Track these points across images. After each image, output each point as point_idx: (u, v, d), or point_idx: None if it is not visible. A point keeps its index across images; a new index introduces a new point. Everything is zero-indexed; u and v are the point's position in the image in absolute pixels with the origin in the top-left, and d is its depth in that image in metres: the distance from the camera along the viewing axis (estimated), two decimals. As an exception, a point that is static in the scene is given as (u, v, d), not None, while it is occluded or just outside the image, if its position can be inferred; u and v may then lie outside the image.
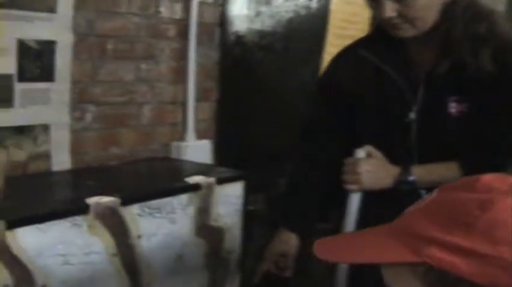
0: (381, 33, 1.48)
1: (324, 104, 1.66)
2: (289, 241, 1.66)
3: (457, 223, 0.59)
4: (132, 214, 1.56)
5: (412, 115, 1.45)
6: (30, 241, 1.35)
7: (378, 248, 0.66)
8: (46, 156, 1.80)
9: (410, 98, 1.45)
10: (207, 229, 1.78)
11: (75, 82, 1.82)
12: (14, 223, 1.31)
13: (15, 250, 1.32)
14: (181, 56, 2.13)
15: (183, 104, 2.16)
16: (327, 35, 2.58)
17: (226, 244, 1.86)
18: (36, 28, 1.70)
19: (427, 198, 0.66)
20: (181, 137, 2.17)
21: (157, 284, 1.67)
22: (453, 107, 1.41)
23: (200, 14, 2.15)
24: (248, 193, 1.88)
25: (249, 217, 1.92)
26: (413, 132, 1.46)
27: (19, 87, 1.68)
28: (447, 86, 1.41)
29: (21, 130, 1.73)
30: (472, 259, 0.57)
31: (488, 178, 0.62)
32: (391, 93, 1.48)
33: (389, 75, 1.47)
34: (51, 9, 1.72)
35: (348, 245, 0.70)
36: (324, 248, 0.70)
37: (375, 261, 0.67)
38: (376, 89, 1.52)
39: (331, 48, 2.55)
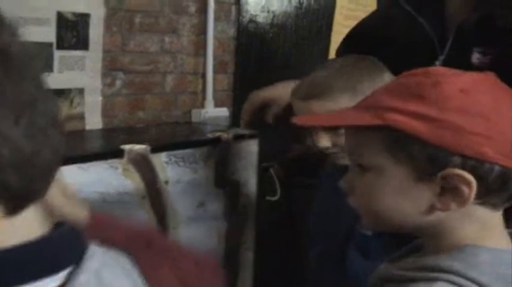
0: None
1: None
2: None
3: (413, 96, 0.72)
4: (160, 161, 1.75)
5: (437, 63, 1.48)
6: (74, 178, 1.54)
7: (346, 117, 0.80)
8: (81, 117, 2.01)
9: (439, 49, 1.50)
10: (225, 181, 1.97)
11: (106, 51, 2.03)
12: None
13: (62, 185, 1.53)
14: (201, 30, 2.33)
15: (203, 75, 2.36)
16: (335, 15, 2.77)
17: (243, 197, 2.05)
18: (73, 2, 1.92)
19: (392, 82, 0.81)
20: (201, 105, 2.37)
21: (182, 228, 1.86)
22: (477, 58, 1.41)
23: (218, -7, 2.36)
24: (262, 151, 2.06)
25: (264, 173, 2.10)
26: None
27: (58, 54, 1.89)
28: (474, 37, 1.42)
29: (59, 93, 1.93)
30: (426, 122, 0.70)
31: (437, 68, 0.79)
32: (421, 44, 1.53)
33: (423, 27, 1.52)
34: (87, -15, 1.93)
35: (321, 117, 0.85)
36: (300, 120, 0.85)
37: (342, 124, 0.82)
38: (407, 39, 1.55)
39: (340, 27, 2.75)
